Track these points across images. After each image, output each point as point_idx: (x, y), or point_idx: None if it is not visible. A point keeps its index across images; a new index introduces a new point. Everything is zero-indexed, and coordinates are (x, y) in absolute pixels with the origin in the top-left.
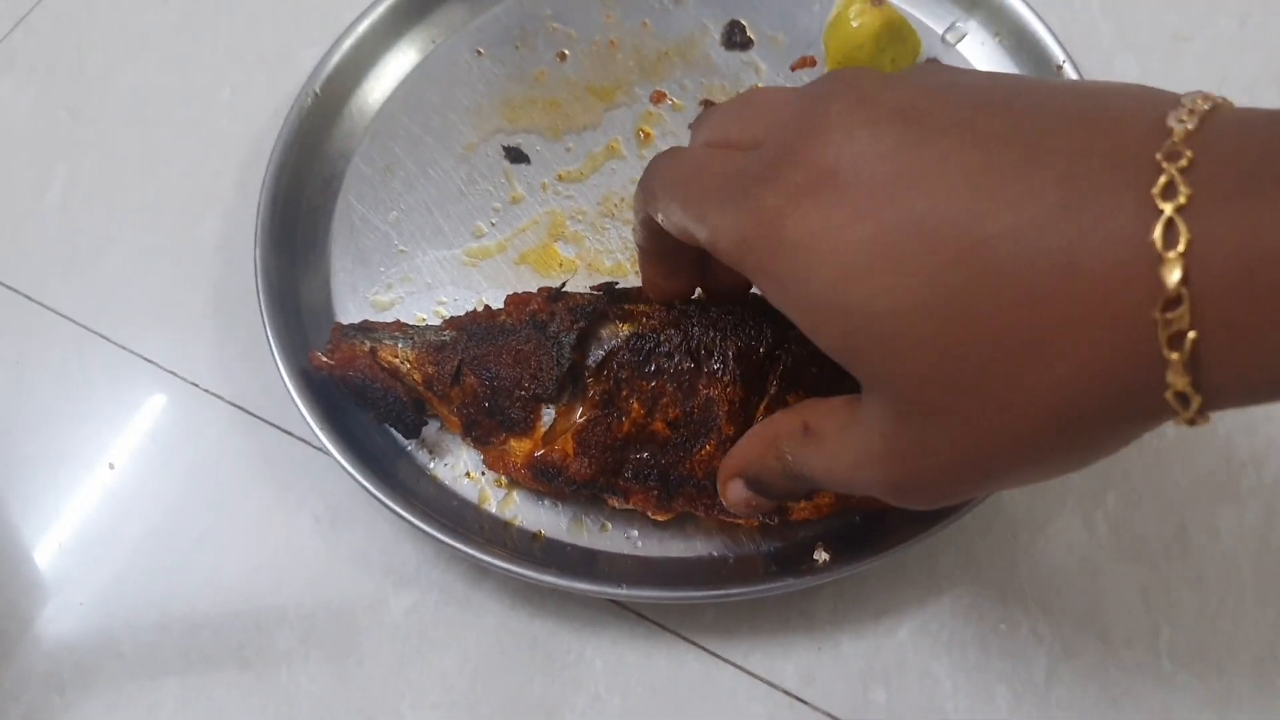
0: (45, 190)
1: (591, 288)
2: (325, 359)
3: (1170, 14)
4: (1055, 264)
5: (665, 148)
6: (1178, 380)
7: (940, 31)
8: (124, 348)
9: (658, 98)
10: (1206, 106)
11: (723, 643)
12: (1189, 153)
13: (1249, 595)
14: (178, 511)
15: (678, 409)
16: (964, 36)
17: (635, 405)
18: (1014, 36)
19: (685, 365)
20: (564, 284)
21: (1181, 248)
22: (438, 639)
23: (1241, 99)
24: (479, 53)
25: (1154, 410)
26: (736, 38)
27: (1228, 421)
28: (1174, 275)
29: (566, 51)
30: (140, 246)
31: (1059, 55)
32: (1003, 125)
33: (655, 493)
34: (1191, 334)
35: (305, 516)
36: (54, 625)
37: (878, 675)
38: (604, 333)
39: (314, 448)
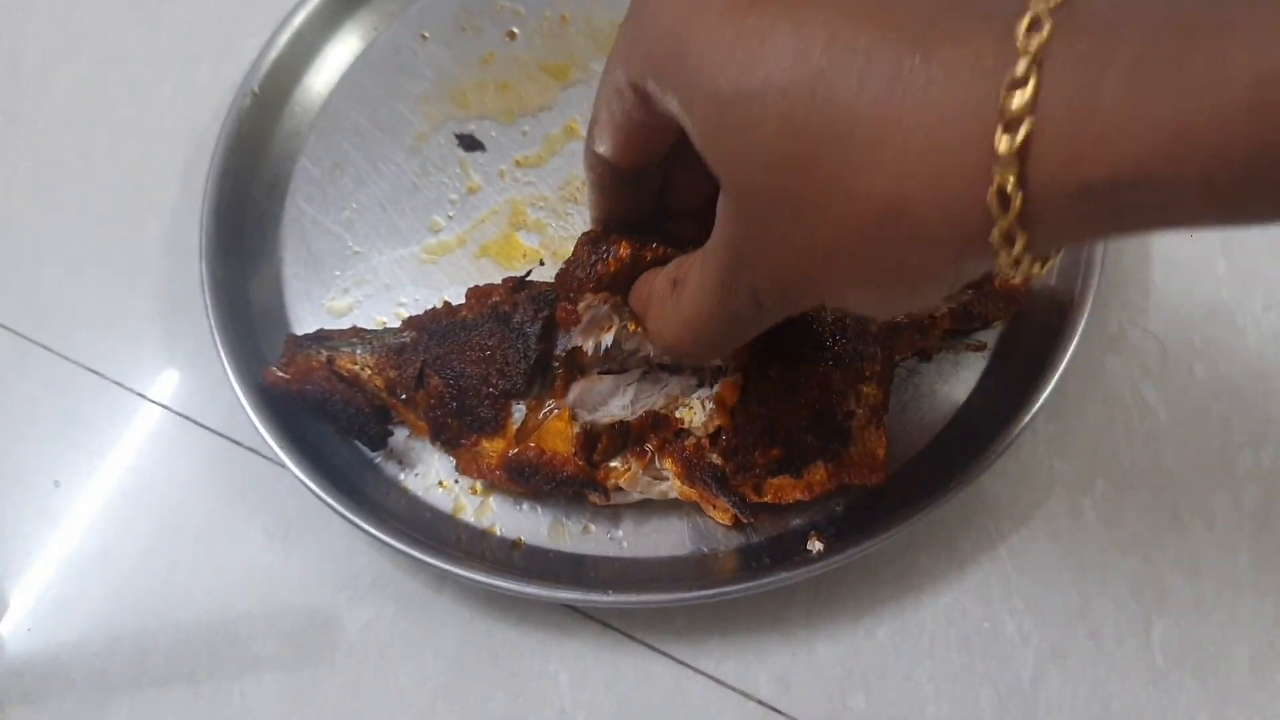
0: None
1: (503, 280)
2: (280, 374)
3: None
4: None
5: None
6: (1004, 176)
7: None
8: (67, 358)
9: None
10: None
11: (693, 651)
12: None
13: (1246, 586)
14: (126, 529)
15: None
16: None
17: None
18: None
19: None
20: (528, 272)
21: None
22: (395, 655)
23: None
24: (424, 37)
25: (976, 235)
26: None
27: (1224, 402)
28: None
29: (515, 30)
30: (82, 253)
31: None
32: None
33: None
34: (1026, 124)
35: (256, 531)
36: (0, 651)
37: (856, 680)
38: None
39: (264, 458)
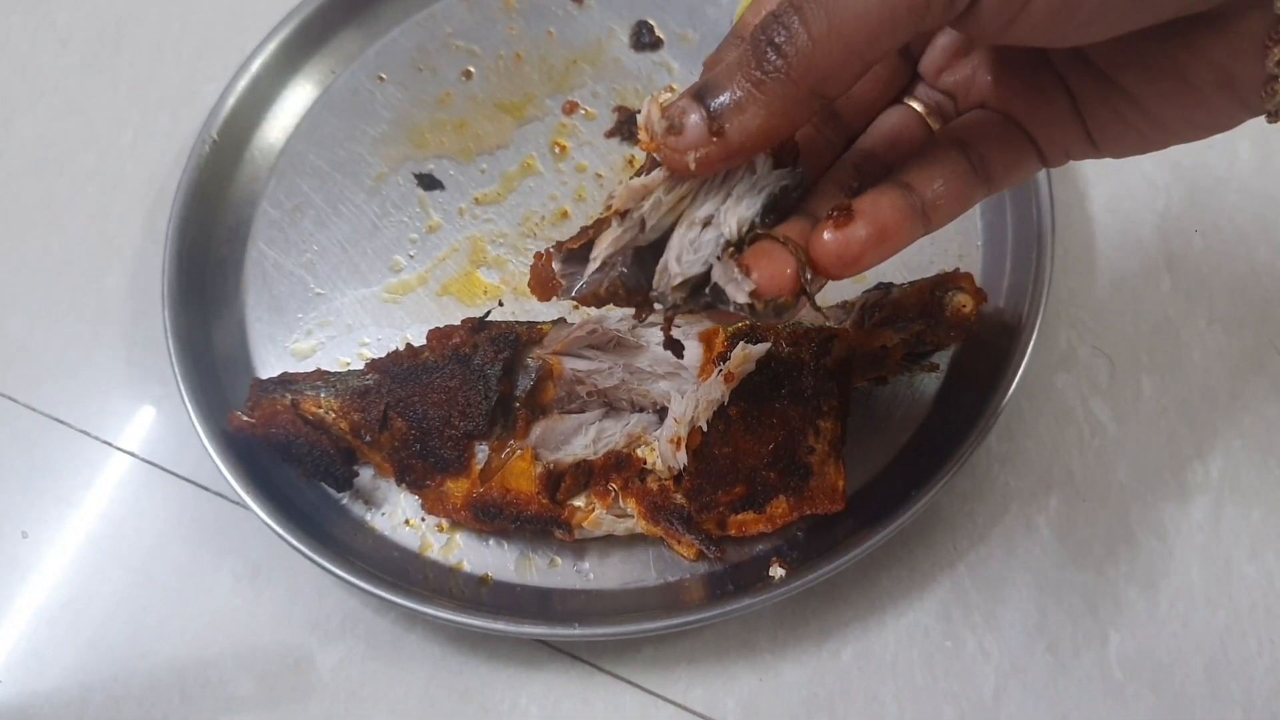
0: None
1: (463, 321)
2: (245, 418)
3: None
4: None
5: (581, 160)
6: None
7: None
8: (33, 409)
9: (570, 108)
10: None
11: (660, 680)
12: None
13: (1198, 596)
14: (96, 578)
15: None
16: None
17: None
18: None
19: None
20: (488, 313)
21: None
22: (366, 695)
23: None
24: (381, 79)
25: None
26: (645, 38)
27: (1172, 415)
28: None
29: (471, 69)
30: (46, 302)
31: None
32: None
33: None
34: None
35: (225, 574)
36: None
37: (822, 703)
38: (530, 360)
39: (231, 502)
